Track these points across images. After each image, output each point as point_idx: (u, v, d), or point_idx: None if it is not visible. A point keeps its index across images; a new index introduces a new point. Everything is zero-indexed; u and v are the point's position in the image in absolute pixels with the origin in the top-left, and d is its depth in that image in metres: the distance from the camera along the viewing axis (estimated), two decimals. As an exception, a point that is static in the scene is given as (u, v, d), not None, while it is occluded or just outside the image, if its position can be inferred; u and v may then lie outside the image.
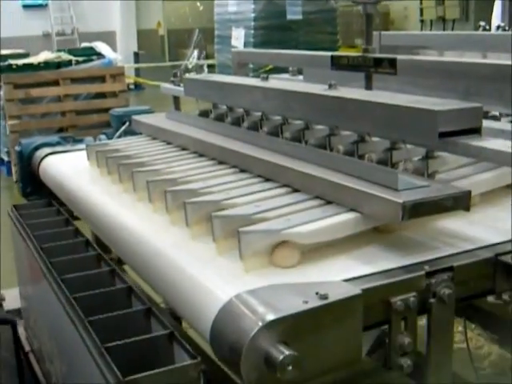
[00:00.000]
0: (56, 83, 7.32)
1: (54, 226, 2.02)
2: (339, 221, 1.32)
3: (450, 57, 2.67)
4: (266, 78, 2.12)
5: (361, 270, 1.25)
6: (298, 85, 2.10)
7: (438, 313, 1.26)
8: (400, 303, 1.21)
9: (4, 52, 8.42)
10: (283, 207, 1.41)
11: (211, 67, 12.39)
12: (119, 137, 2.79)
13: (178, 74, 2.72)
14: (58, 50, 8.65)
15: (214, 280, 1.27)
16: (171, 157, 1.99)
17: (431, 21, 15.51)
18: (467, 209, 1.32)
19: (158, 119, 2.40)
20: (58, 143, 2.78)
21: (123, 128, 2.76)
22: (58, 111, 7.41)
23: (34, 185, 2.66)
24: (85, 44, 9.40)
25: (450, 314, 1.28)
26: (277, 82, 2.13)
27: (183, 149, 2.07)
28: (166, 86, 2.88)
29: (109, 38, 13.66)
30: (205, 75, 2.58)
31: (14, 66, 7.49)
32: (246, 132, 1.93)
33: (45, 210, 2.20)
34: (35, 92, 7.20)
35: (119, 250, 1.73)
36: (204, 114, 2.41)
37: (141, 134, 2.45)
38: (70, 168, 2.33)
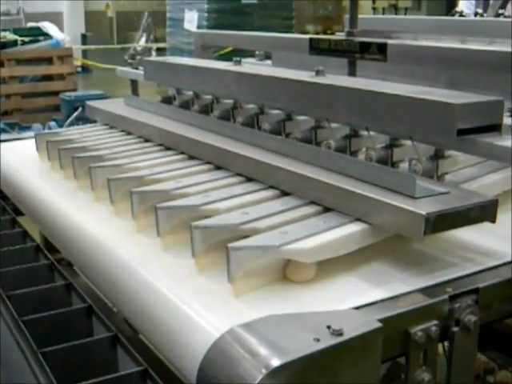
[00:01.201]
0: (1, 64, 6.95)
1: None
2: (346, 233, 1.11)
3: (425, 42, 2.48)
4: (239, 62, 1.89)
5: (374, 294, 1.04)
6: (278, 70, 1.87)
7: (461, 342, 1.07)
8: (421, 334, 1.01)
9: None
10: (275, 215, 1.19)
11: (161, 50, 12.14)
12: (71, 124, 2.53)
13: (132, 55, 2.47)
14: (3, 30, 8.22)
15: (197, 307, 1.05)
16: (134, 149, 1.74)
17: (383, 9, 15.44)
18: (493, 220, 1.12)
19: (115, 105, 2.14)
20: (3, 130, 2.52)
21: (75, 114, 2.52)
22: (2, 94, 7.03)
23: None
24: (31, 24, 8.98)
25: (474, 342, 1.09)
26: (252, 66, 1.90)
27: (146, 140, 1.83)
28: (123, 68, 2.63)
29: (56, 18, 13.13)
30: (167, 58, 2.34)
31: (-45, 46, 7.10)
32: (218, 122, 1.70)
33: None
34: (-22, 73, 6.82)
35: (74, 259, 1.49)
36: (167, 100, 2.17)
37: (95, 121, 2.20)
38: (16, 159, 2.06)
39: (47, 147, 1.88)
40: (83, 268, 1.42)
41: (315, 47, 2.06)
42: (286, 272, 1.09)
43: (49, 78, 7.17)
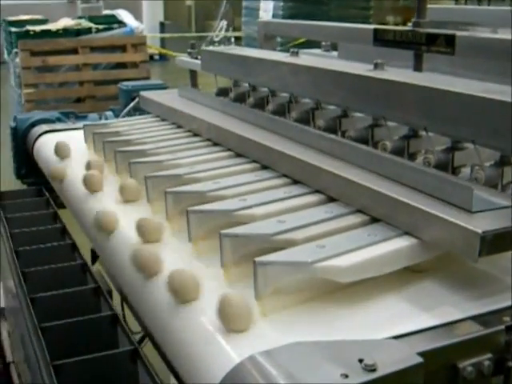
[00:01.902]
0: (75, 51, 6.98)
1: (39, 223, 1.70)
2: (392, 249, 0.98)
3: (499, 34, 2.30)
4: (296, 53, 1.77)
5: (416, 322, 0.91)
6: (335, 63, 1.75)
7: (519, 379, 0.93)
8: (471, 369, 0.88)
9: (22, 17, 8.10)
10: (315, 224, 1.07)
11: (239, 40, 12.09)
12: (127, 115, 2.46)
13: (193, 44, 2.38)
14: (79, 17, 8.29)
15: (219, 324, 0.95)
16: (179, 144, 1.65)
17: (466, -1, 14.95)
18: None
19: (168, 97, 2.06)
20: (58, 119, 2.47)
21: (132, 105, 2.43)
22: (75, 81, 7.08)
23: (29, 166, 2.35)
24: (107, 12, 9.04)
25: (534, 379, 0.95)
26: (309, 58, 1.78)
27: (195, 134, 1.74)
28: (183, 58, 2.54)
29: (135, 7, 13.26)
30: (225, 47, 2.24)
31: (32, 33, 7.16)
32: (270, 118, 1.59)
33: (31, 201, 1.89)
34: (52, 60, 6.86)
35: (104, 258, 1.41)
36: (223, 92, 2.07)
37: (149, 113, 2.12)
38: (65, 150, 2.00)
39: (93, 139, 1.82)
40: (111, 268, 1.34)
41: (380, 38, 1.92)
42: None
43: (122, 65, 7.17)
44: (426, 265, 1.02)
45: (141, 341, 1.69)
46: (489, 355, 0.89)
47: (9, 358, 1.97)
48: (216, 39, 14.07)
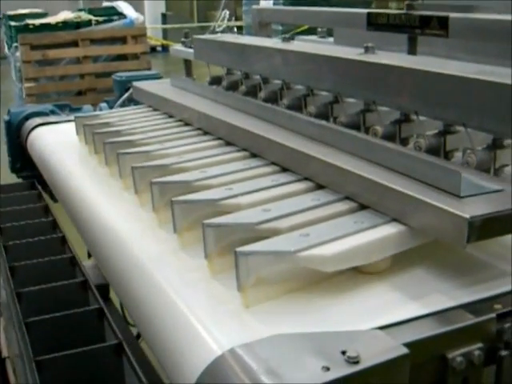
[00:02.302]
0: (75, 44, 6.98)
1: (30, 216, 1.68)
2: (379, 237, 0.95)
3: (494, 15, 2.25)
4: (289, 39, 1.74)
5: (403, 311, 0.88)
6: (326, 48, 1.72)
7: (511, 368, 0.90)
8: (460, 360, 0.85)
9: (21, 11, 8.07)
10: (301, 212, 1.04)
11: (241, 29, 12.03)
12: (122, 105, 2.43)
13: (187, 33, 2.35)
14: (79, 10, 8.26)
15: (204, 317, 0.92)
16: (170, 134, 1.62)
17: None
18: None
19: (161, 87, 2.03)
20: (51, 112, 2.44)
21: (125, 96, 2.40)
22: (76, 73, 7.06)
23: (23, 160, 2.32)
24: (106, 3, 9.00)
25: (528, 368, 0.92)
26: (301, 44, 1.75)
27: (186, 124, 1.71)
28: (176, 47, 2.51)
29: (136, -2, 13.22)
30: (217, 35, 2.21)
31: (31, 26, 7.14)
32: (260, 106, 1.56)
33: (23, 195, 1.86)
34: (53, 53, 6.85)
35: (92, 251, 1.39)
36: (216, 81, 2.05)
37: (142, 103, 2.09)
38: (57, 143, 1.98)
39: (84, 131, 1.79)
40: (100, 262, 1.32)
41: (373, 23, 1.89)
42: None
43: (123, 57, 7.15)
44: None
45: (139, 335, 1.68)
46: (479, 345, 0.86)
47: (4, 353, 1.95)
48: (218, 29, 14.02)
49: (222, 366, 0.79)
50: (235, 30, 13.23)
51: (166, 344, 0.94)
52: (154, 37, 13.48)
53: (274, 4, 8.46)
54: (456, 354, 0.85)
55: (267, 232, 0.98)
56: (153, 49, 12.79)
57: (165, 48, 14.08)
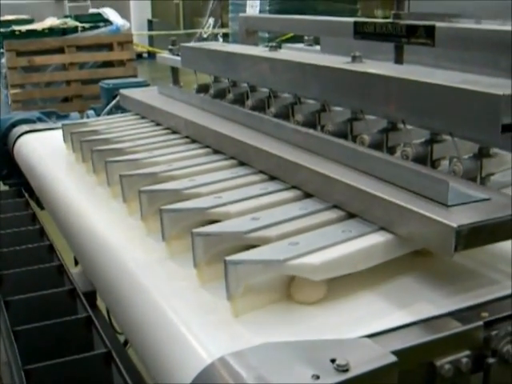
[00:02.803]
0: (61, 51, 6.96)
1: (17, 224, 1.68)
2: (366, 246, 0.96)
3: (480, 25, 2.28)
4: (275, 48, 1.75)
5: (392, 319, 0.89)
6: (313, 56, 1.73)
7: (498, 376, 0.91)
8: (448, 367, 0.86)
9: (7, 17, 8.05)
10: (289, 221, 1.05)
11: (227, 36, 12.04)
12: (109, 113, 2.43)
13: (174, 41, 2.35)
14: (65, 16, 8.25)
15: (193, 326, 0.92)
16: (158, 142, 1.63)
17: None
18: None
19: (148, 94, 2.03)
20: (39, 119, 2.43)
21: (113, 103, 2.40)
22: (62, 80, 7.05)
23: (10, 167, 2.31)
24: (92, 10, 8.99)
25: (513, 375, 0.93)
26: (288, 52, 1.76)
27: (174, 132, 1.71)
28: (163, 55, 2.52)
29: (122, 5, 13.20)
30: (204, 43, 2.22)
31: (17, 33, 7.13)
32: (248, 114, 1.56)
33: (9, 203, 1.86)
34: (39, 60, 6.84)
35: (81, 260, 1.39)
36: (203, 88, 2.05)
37: (130, 111, 2.09)
38: (44, 150, 1.98)
39: (71, 138, 1.79)
40: (87, 271, 1.32)
41: (360, 31, 1.90)
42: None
43: (109, 64, 7.15)
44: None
45: (126, 342, 1.67)
46: (467, 352, 0.87)
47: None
48: (204, 36, 14.02)
49: (212, 375, 0.80)
50: (220, 37, 13.25)
51: (155, 353, 0.94)
52: (140, 43, 13.46)
53: (261, 12, 8.49)
54: (444, 362, 0.85)
55: (256, 241, 0.99)
56: (139, 55, 12.76)
57: (151, 55, 14.07)
